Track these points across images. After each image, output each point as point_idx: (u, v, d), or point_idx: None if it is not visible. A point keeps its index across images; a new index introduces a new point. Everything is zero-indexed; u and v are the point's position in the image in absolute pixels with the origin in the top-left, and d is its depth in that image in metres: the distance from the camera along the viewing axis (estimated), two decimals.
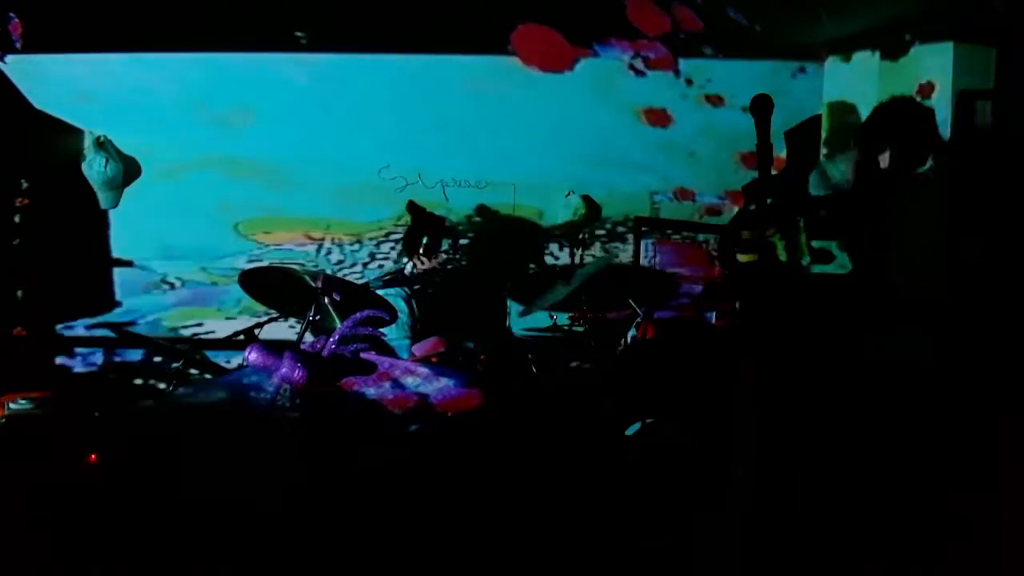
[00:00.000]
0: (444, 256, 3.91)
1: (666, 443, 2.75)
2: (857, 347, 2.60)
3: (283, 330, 4.02)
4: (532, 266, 4.30)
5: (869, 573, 2.33)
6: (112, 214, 4.08)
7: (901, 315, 2.70)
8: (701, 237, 4.36)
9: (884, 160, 2.98)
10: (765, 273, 2.46)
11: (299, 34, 4.02)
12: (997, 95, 3.56)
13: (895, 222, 2.94)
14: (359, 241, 4.22)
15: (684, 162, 4.28)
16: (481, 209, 4.23)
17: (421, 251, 3.65)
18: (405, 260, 3.70)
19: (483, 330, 3.79)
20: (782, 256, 2.45)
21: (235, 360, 3.91)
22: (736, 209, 4.07)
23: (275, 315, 3.80)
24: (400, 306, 3.51)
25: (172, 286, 4.16)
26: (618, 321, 3.84)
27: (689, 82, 4.23)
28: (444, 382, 2.59)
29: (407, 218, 3.91)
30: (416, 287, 3.69)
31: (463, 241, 4.24)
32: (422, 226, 3.73)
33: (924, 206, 3.00)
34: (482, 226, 4.24)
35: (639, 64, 4.20)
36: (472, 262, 4.23)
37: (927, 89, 3.65)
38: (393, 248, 4.19)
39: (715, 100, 4.23)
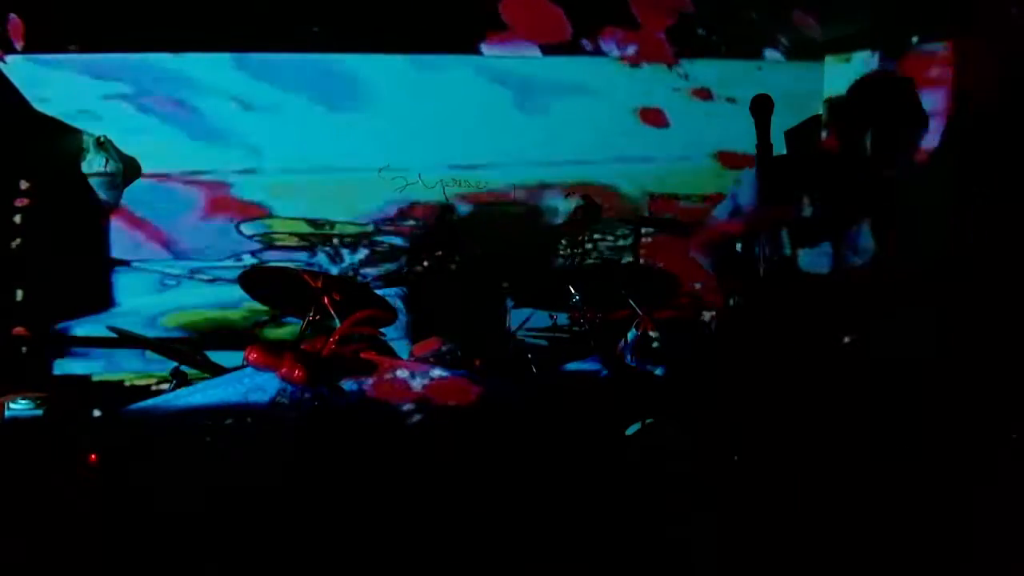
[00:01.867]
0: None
1: (666, 443, 2.75)
2: (853, 342, 2.54)
3: (282, 330, 4.03)
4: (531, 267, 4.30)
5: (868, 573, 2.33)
6: (111, 214, 4.09)
7: (899, 308, 2.62)
8: None
9: (865, 143, 2.57)
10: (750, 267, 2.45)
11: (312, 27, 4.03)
12: (997, 94, 3.56)
13: (887, 212, 2.69)
14: (359, 241, 4.22)
15: (682, 161, 4.29)
16: (480, 209, 4.23)
17: (427, 261, 3.65)
18: (407, 261, 3.70)
19: (481, 330, 3.79)
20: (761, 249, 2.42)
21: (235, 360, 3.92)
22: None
23: (275, 315, 3.81)
24: (399, 306, 3.51)
25: (172, 286, 4.17)
26: (618, 321, 3.83)
27: (686, 78, 4.23)
28: (443, 378, 2.59)
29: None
30: (415, 287, 3.69)
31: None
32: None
33: (924, 192, 2.82)
34: (481, 227, 4.24)
35: (637, 60, 4.20)
36: (471, 262, 4.22)
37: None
38: (392, 249, 4.19)
39: (705, 95, 4.24)
